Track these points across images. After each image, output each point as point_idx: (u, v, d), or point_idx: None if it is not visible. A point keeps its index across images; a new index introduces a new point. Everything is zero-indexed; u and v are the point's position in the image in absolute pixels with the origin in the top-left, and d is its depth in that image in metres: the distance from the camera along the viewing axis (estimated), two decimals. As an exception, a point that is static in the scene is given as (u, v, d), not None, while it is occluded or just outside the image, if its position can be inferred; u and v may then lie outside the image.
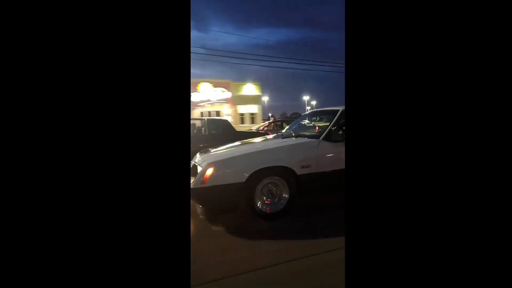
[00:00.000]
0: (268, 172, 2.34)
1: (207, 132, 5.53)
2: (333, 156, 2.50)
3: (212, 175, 2.19)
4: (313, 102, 37.13)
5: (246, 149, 2.68)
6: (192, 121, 5.83)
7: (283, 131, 3.46)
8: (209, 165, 2.25)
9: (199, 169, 2.32)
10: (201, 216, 2.54)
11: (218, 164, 2.29)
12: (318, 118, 3.26)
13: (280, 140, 2.86)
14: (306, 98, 35.72)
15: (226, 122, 6.05)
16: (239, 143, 3.10)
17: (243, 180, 2.22)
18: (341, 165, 2.39)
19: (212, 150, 2.85)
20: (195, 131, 5.57)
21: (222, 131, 5.61)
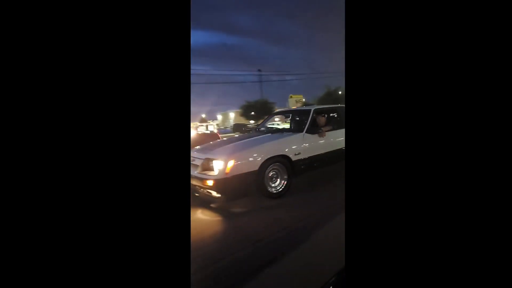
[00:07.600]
0: (273, 160, 3.09)
1: None
2: (314, 144, 3.55)
3: (233, 166, 2.77)
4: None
5: (253, 143, 3.39)
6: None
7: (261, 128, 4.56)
8: (229, 157, 2.81)
9: (217, 162, 2.82)
10: (211, 205, 3.06)
11: (238, 156, 2.91)
12: (278, 119, 4.47)
13: (269, 135, 3.69)
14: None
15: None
16: (237, 136, 4.02)
17: (256, 168, 2.91)
18: (320, 150, 3.62)
19: (212, 144, 3.68)
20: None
21: None
